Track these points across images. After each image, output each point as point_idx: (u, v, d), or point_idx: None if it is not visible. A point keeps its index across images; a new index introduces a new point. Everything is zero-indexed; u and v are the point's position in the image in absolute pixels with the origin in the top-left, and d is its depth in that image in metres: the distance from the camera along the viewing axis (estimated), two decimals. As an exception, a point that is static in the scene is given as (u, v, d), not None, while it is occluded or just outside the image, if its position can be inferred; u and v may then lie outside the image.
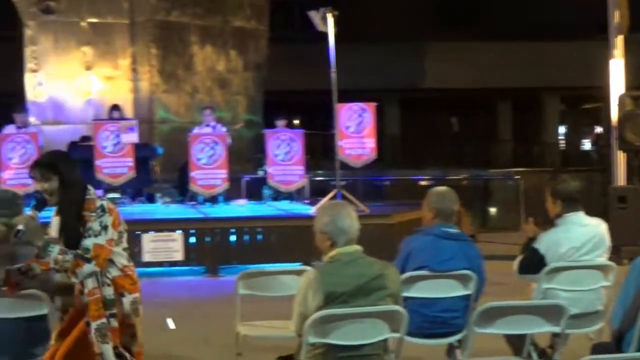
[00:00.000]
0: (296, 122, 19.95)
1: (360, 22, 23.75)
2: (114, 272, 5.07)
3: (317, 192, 15.16)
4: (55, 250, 4.95)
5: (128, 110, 16.03)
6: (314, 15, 12.43)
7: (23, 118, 14.03)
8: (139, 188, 14.75)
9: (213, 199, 13.97)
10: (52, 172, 5.06)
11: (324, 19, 12.34)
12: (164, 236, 11.57)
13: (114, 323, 5.06)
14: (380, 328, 4.52)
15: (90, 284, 5.01)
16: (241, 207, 14.01)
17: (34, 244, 5.01)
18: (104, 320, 5.03)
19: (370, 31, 24.84)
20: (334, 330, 4.42)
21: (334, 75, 12.41)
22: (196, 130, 14.37)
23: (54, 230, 5.19)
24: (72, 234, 5.03)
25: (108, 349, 5.02)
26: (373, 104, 13.45)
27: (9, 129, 13.78)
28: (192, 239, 11.74)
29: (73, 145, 15.32)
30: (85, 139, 15.24)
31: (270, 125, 14.82)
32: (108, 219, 5.05)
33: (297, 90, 23.86)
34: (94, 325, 5.01)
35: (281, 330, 5.75)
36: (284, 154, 13.91)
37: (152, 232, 11.57)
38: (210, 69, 17.33)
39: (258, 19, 18.07)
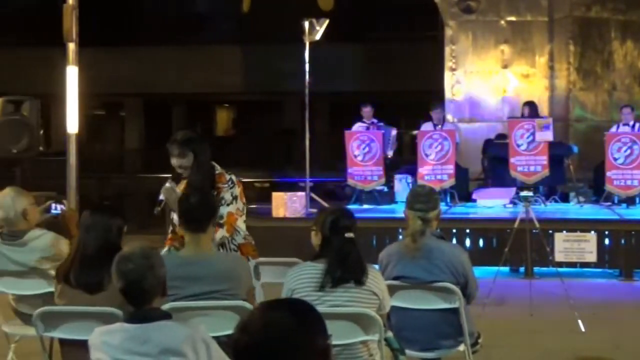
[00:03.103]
0: None
1: None
2: (239, 239, 5.66)
3: None
4: None
5: (543, 108, 15.94)
6: None
7: (440, 115, 14.43)
8: (552, 187, 14.60)
9: (629, 200, 13.46)
10: (188, 149, 5.55)
11: None
12: (577, 236, 11.36)
13: None
14: None
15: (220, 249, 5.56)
16: (660, 209, 13.38)
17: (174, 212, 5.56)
18: None
19: None
20: None
21: None
22: (613, 129, 13.98)
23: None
24: None
25: None
26: None
27: (427, 126, 14.26)
28: (606, 241, 11.40)
29: (488, 142, 15.53)
30: (500, 136, 15.37)
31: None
32: (237, 191, 5.64)
33: None
34: None
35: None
36: None
37: (565, 232, 11.41)
38: (630, 65, 16.73)
39: (684, 11, 17.14)
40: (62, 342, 4.82)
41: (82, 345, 4.01)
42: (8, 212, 5.90)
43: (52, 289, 5.10)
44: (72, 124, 11.20)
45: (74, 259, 4.80)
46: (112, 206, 5.33)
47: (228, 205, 5.58)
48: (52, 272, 5.85)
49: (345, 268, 4.67)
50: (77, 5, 11.03)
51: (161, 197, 5.66)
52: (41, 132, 11.95)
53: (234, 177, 5.69)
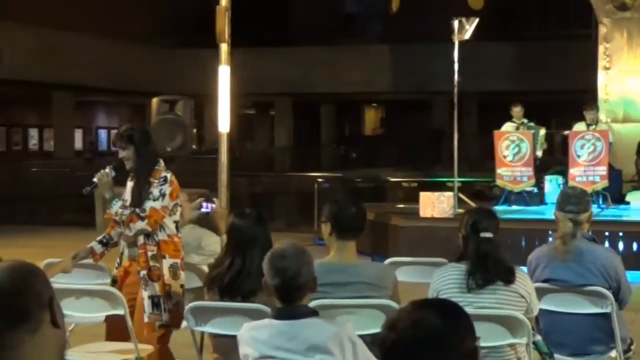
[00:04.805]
0: None
1: None
2: (160, 236, 5.76)
3: None
4: (118, 204, 5.78)
5: None
6: None
7: (594, 115, 14.09)
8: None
9: None
10: (129, 142, 5.80)
11: None
12: None
13: (154, 276, 5.75)
14: None
15: (141, 239, 5.75)
16: None
17: (104, 195, 5.92)
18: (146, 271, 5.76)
19: None
20: None
21: None
22: None
23: (127, 194, 5.93)
24: (137, 195, 5.80)
25: (146, 295, 5.73)
26: None
27: (579, 126, 13.94)
28: None
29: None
30: (656, 137, 14.91)
31: None
32: (167, 189, 5.78)
33: None
34: (141, 273, 5.74)
35: None
36: None
37: None
38: None
39: None
40: (213, 336, 4.92)
41: (232, 339, 4.09)
42: (162, 208, 6.07)
43: (201, 284, 5.20)
44: (224, 123, 11.45)
45: (232, 276, 4.78)
46: (259, 213, 5.18)
47: (154, 200, 5.75)
48: (203, 267, 5.99)
49: (484, 268, 4.61)
50: (229, 7, 11.27)
51: (94, 179, 5.89)
52: (194, 131, 12.27)
53: (169, 175, 5.86)
